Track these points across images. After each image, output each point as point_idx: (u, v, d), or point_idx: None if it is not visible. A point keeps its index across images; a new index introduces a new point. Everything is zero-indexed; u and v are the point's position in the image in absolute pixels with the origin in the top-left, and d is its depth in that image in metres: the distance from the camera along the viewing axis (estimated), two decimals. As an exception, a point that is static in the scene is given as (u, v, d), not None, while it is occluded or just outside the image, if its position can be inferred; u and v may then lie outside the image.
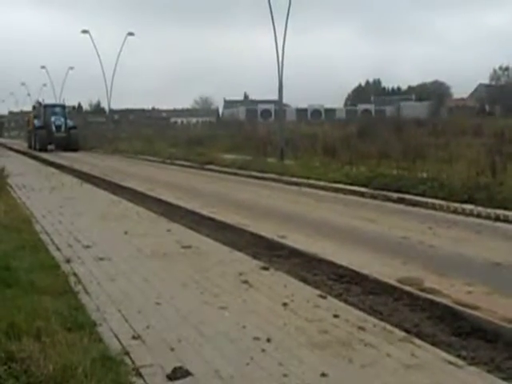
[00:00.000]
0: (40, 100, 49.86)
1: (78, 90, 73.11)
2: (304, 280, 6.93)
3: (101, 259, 7.89)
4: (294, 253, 8.43)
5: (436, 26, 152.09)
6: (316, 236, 9.76)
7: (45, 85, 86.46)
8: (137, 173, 23.62)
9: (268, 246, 8.95)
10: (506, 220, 11.05)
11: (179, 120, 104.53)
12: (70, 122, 45.86)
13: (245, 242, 9.25)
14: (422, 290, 6.46)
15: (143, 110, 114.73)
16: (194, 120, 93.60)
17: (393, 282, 6.74)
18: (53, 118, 44.77)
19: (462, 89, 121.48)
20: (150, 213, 12.27)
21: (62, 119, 45.31)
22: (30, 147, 48.24)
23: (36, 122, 46.90)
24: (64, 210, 12.67)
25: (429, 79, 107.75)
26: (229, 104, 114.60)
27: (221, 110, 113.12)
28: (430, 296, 6.18)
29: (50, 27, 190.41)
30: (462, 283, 6.81)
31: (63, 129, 44.50)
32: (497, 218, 11.24)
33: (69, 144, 43.02)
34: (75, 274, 6.96)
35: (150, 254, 8.25)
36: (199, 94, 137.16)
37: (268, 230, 9.99)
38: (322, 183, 17.33)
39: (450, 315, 5.66)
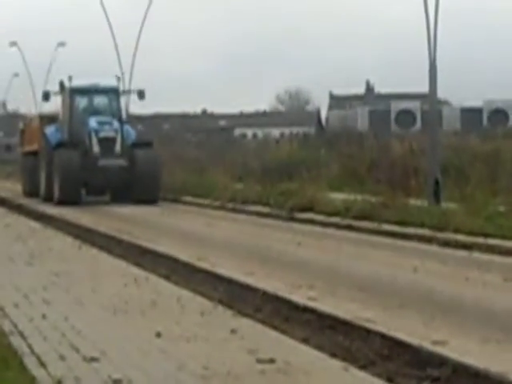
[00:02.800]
0: (65, 80, 35.23)
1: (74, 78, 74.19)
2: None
3: (115, 383, 7.98)
4: (463, 372, 8.31)
5: None
6: (502, 343, 9.62)
7: (17, 74, 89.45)
8: (176, 226, 23.92)
9: (414, 361, 8.88)
10: None
11: (249, 132, 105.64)
12: (131, 131, 35.77)
13: (372, 354, 9.21)
14: None
15: (186, 116, 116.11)
16: (275, 132, 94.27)
17: None
18: (93, 123, 33.59)
19: None
20: (200, 299, 12.37)
21: (116, 124, 34.23)
22: (28, 193, 39.98)
23: (51, 131, 35.39)
24: (51, 294, 12.93)
25: None
26: (338, 102, 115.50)
27: (324, 114, 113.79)
28: None
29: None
30: None
31: (119, 148, 33.43)
32: None
33: (137, 186, 32.77)
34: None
35: (202, 375, 8.30)
36: (284, 86, 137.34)
37: (413, 332, 9.92)
38: (510, 244, 17.19)
39: None
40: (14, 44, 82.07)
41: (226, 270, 15.20)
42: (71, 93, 35.06)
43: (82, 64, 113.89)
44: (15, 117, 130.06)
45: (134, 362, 8.78)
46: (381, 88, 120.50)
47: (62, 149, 32.68)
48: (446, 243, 18.42)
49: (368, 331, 10.18)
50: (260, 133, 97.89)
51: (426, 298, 12.59)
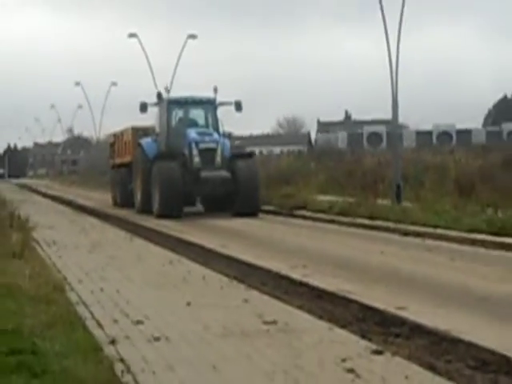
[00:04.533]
0: (162, 91, 30.23)
1: (123, 111, 74.82)
2: (432, 369, 6.82)
3: (156, 339, 7.99)
4: (418, 331, 8.33)
5: None
6: (448, 308, 9.62)
7: (80, 106, 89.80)
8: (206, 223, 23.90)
9: (381, 322, 8.88)
10: None
11: (257, 150, 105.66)
12: (227, 143, 28.02)
13: (350, 316, 9.21)
14: None
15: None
16: (277, 149, 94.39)
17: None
18: (193, 134, 26.38)
19: None
20: (220, 276, 12.38)
21: (216, 135, 27.00)
22: (119, 204, 32.75)
23: (147, 143, 28.47)
24: (107, 273, 12.96)
25: None
26: (324, 127, 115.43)
27: (313, 136, 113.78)
28: None
29: (88, 36, 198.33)
30: None
31: (219, 160, 26.03)
32: None
33: (238, 198, 25.42)
34: (122, 360, 7.07)
35: (221, 334, 8.30)
36: (283, 114, 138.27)
37: (381, 300, 9.91)
38: (454, 233, 17.16)
39: None
40: (78, 84, 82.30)
41: (240, 254, 15.20)
42: (169, 104, 27.75)
43: (131, 98, 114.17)
44: (79, 139, 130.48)
45: (170, 324, 8.79)
46: (356, 116, 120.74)
47: (161, 160, 25.62)
48: (405, 233, 18.41)
49: (347, 300, 10.19)
50: (265, 150, 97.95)
51: (391, 274, 12.58)
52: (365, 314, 9.36)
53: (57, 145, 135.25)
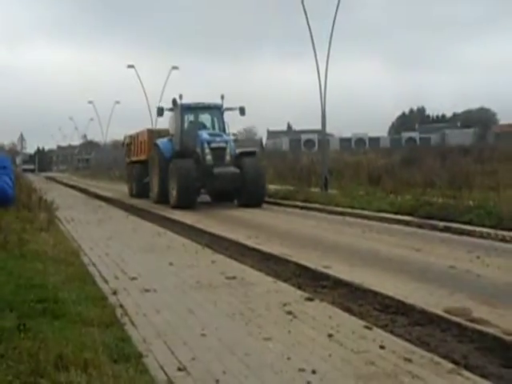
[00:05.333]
0: (177, 98, 25.19)
1: (125, 123, 74.84)
2: (349, 311, 6.88)
3: (146, 291, 7.96)
4: (339, 283, 8.38)
5: (458, 54, 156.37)
6: (361, 266, 9.68)
7: (92, 119, 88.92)
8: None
9: (313, 277, 8.92)
10: (556, 248, 10.80)
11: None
12: (232, 143, 24.10)
13: (289, 273, 9.24)
14: (471, 320, 6.34)
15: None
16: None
17: (440, 312, 6.63)
18: (205, 135, 23.24)
19: (508, 115, 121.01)
20: (195, 244, 12.33)
21: (225, 137, 23.74)
22: (135, 195, 29.18)
23: (163, 143, 25.04)
24: (111, 242, 12.86)
25: (470, 106, 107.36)
26: (272, 135, 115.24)
27: (265, 141, 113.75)
28: (478, 326, 6.06)
29: (97, 66, 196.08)
30: (512, 313, 6.66)
31: (228, 157, 23.00)
32: (547, 246, 11.00)
33: (245, 190, 22.24)
34: (122, 306, 7.03)
35: (195, 286, 8.29)
36: (243, 125, 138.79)
37: (312, 261, 9.95)
38: (366, 212, 17.23)
39: (499, 346, 5.54)
40: (90, 102, 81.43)
41: (208, 227, 15.17)
42: (182, 109, 24.56)
43: (132, 114, 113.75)
44: (91, 143, 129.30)
45: (157, 279, 8.73)
46: (296, 126, 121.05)
47: (177, 159, 22.82)
48: (331, 212, 18.49)
49: (287, 261, 10.20)
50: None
51: (320, 242, 12.58)
52: (300, 271, 9.39)
53: (74, 147, 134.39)
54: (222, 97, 25.00)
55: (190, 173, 21.77)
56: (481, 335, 5.83)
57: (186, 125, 24.64)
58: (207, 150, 22.39)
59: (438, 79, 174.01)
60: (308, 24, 26.12)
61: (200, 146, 22.59)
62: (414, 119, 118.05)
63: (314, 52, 26.56)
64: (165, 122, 27.74)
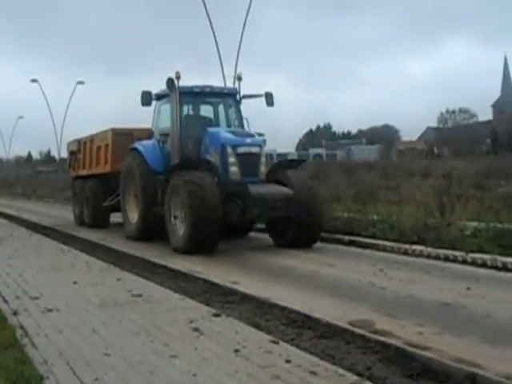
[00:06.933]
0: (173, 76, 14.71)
1: (29, 139, 73.17)
2: (256, 326, 6.90)
3: (49, 310, 7.73)
4: (246, 298, 8.41)
5: (360, 73, 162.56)
6: (269, 282, 9.74)
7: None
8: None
9: (220, 293, 8.90)
10: (454, 260, 11.23)
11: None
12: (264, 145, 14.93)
13: (198, 290, 9.21)
14: (374, 332, 6.50)
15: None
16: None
17: (344, 324, 6.76)
18: (225, 134, 14.52)
19: (410, 132, 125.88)
20: (100, 262, 12.09)
21: (257, 138, 14.79)
22: (87, 223, 20.50)
23: (147, 149, 15.93)
24: (12, 261, 12.43)
25: (375, 123, 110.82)
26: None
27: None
28: (381, 338, 6.22)
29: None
30: (413, 324, 6.88)
31: (263, 169, 14.44)
32: (446, 259, 11.42)
33: (293, 223, 13.53)
34: (22, 327, 6.81)
35: (100, 305, 8.12)
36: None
37: (220, 277, 9.92)
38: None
39: (401, 356, 5.70)
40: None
41: (115, 246, 14.91)
42: (181, 95, 14.99)
43: (33, 128, 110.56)
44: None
45: (60, 298, 8.51)
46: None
47: (182, 171, 13.57)
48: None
49: (196, 278, 10.17)
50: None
51: (229, 258, 12.59)
52: (209, 287, 9.37)
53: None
54: (239, 78, 16.33)
55: (212, 197, 12.88)
56: (383, 346, 5.98)
57: (183, 115, 15.49)
58: (232, 159, 13.92)
59: (344, 97, 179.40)
60: (215, 40, 26.21)
61: (220, 151, 14.05)
62: (320, 136, 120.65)
63: (222, 71, 26.49)
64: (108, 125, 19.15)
